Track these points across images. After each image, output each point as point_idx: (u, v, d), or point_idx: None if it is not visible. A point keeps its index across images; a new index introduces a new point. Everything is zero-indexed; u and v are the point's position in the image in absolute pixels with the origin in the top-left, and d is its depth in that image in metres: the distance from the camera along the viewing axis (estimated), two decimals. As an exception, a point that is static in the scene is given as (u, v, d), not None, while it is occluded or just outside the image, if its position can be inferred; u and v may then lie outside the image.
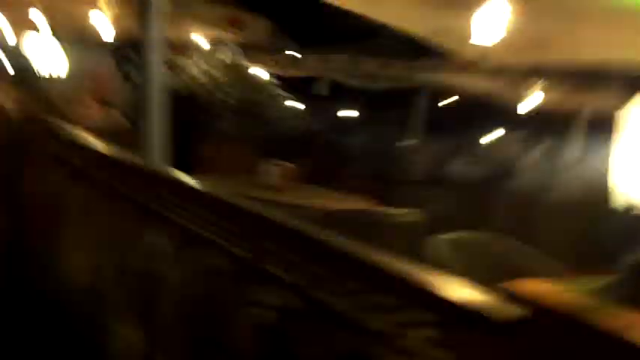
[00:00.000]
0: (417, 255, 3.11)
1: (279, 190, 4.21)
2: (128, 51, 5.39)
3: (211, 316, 1.89)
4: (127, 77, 5.56)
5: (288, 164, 4.22)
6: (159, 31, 2.79)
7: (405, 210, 3.67)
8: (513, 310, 1.22)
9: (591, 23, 4.97)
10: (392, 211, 3.68)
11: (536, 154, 7.41)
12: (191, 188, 2.10)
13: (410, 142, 15.07)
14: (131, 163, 2.51)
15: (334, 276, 1.53)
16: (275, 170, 4.26)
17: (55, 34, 8.88)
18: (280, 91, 11.62)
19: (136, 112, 2.89)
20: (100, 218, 2.66)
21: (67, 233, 3.09)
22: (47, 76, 8.59)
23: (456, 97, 20.98)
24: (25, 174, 3.49)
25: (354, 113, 15.24)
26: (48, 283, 3.23)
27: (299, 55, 13.25)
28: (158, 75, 2.78)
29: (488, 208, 6.28)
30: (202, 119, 10.19)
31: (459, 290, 1.36)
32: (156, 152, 2.76)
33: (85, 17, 8.92)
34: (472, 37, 4.16)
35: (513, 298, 1.27)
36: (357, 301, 1.43)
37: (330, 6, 5.31)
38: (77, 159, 3.05)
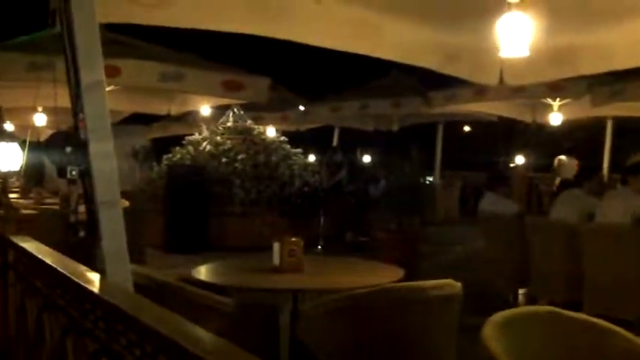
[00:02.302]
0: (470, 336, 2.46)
1: (294, 269, 3.64)
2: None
3: None
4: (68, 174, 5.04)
5: (296, 239, 3.65)
6: (102, 117, 2.23)
7: (441, 281, 3.04)
8: None
9: (619, 27, 4.37)
10: (425, 284, 3.05)
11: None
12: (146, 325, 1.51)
13: (434, 179, 14.41)
14: (81, 286, 1.94)
15: None
16: (286, 248, 3.69)
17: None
18: (291, 149, 11.07)
19: (88, 214, 2.31)
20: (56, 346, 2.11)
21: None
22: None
23: (475, 126, 20.46)
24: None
25: (372, 158, 14.68)
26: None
27: (303, 109, 12.76)
28: (107, 168, 2.20)
29: (537, 254, 5.46)
30: (215, 191, 9.65)
31: None
32: (112, 266, 2.17)
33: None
34: (500, 50, 3.65)
35: None
36: None
37: (331, 54, 4.87)
38: (33, 275, 2.52)
